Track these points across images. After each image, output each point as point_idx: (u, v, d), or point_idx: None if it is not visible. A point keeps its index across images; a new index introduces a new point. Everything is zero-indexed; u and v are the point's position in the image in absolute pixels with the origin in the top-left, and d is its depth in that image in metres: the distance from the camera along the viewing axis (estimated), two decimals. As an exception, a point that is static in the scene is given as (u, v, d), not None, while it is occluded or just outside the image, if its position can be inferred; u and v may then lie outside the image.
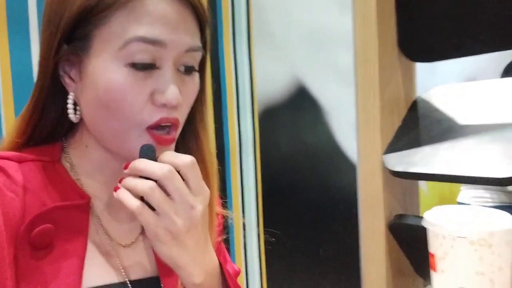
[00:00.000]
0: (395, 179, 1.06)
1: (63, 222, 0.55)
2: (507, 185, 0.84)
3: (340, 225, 1.30)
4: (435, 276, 0.66)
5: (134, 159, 0.55)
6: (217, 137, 1.10)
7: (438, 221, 0.64)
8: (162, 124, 0.55)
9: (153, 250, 0.61)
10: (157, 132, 0.55)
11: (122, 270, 0.59)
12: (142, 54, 0.52)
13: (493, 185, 0.87)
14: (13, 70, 0.91)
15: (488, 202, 1.85)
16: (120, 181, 0.54)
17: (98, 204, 0.60)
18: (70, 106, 0.57)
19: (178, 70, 0.56)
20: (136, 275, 0.60)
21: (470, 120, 0.98)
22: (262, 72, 1.24)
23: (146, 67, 0.53)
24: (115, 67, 0.52)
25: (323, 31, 1.27)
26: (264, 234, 1.18)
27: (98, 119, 0.55)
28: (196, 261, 0.54)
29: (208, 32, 0.62)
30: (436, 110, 1.07)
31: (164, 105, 0.54)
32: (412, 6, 1.04)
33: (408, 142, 1.03)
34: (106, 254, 0.59)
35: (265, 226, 1.21)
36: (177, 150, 0.58)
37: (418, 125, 1.07)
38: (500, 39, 0.90)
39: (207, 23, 0.60)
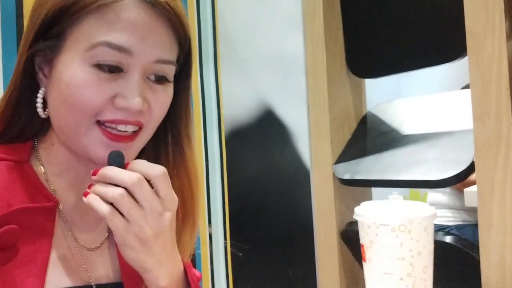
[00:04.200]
0: (347, 188, 1.11)
1: (28, 224, 0.55)
2: (443, 187, 0.89)
3: (308, 245, 1.33)
4: (365, 267, 0.70)
5: (91, 159, 0.56)
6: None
7: (365, 212, 0.68)
8: (119, 126, 0.55)
9: (118, 255, 0.62)
10: (110, 129, 0.55)
11: (88, 274, 0.60)
12: (108, 58, 0.53)
13: (431, 187, 0.92)
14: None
15: (450, 221, 1.91)
16: (89, 187, 0.54)
17: (65, 206, 0.60)
18: (39, 100, 0.57)
19: (148, 78, 0.56)
20: (100, 279, 0.61)
21: (411, 130, 1.05)
22: (228, 95, 1.28)
23: (112, 70, 0.53)
24: (79, 65, 0.53)
25: (286, 57, 1.35)
26: (231, 253, 1.19)
27: (58, 115, 0.56)
28: (162, 264, 0.56)
29: (188, 45, 0.61)
30: (383, 123, 1.14)
31: (124, 109, 0.54)
32: (358, 27, 1.12)
33: (357, 152, 1.09)
34: (71, 257, 0.59)
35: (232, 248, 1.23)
36: (163, 164, 0.57)
37: (366, 137, 1.13)
38: (433, 56, 0.98)
39: (186, 36, 0.59)
